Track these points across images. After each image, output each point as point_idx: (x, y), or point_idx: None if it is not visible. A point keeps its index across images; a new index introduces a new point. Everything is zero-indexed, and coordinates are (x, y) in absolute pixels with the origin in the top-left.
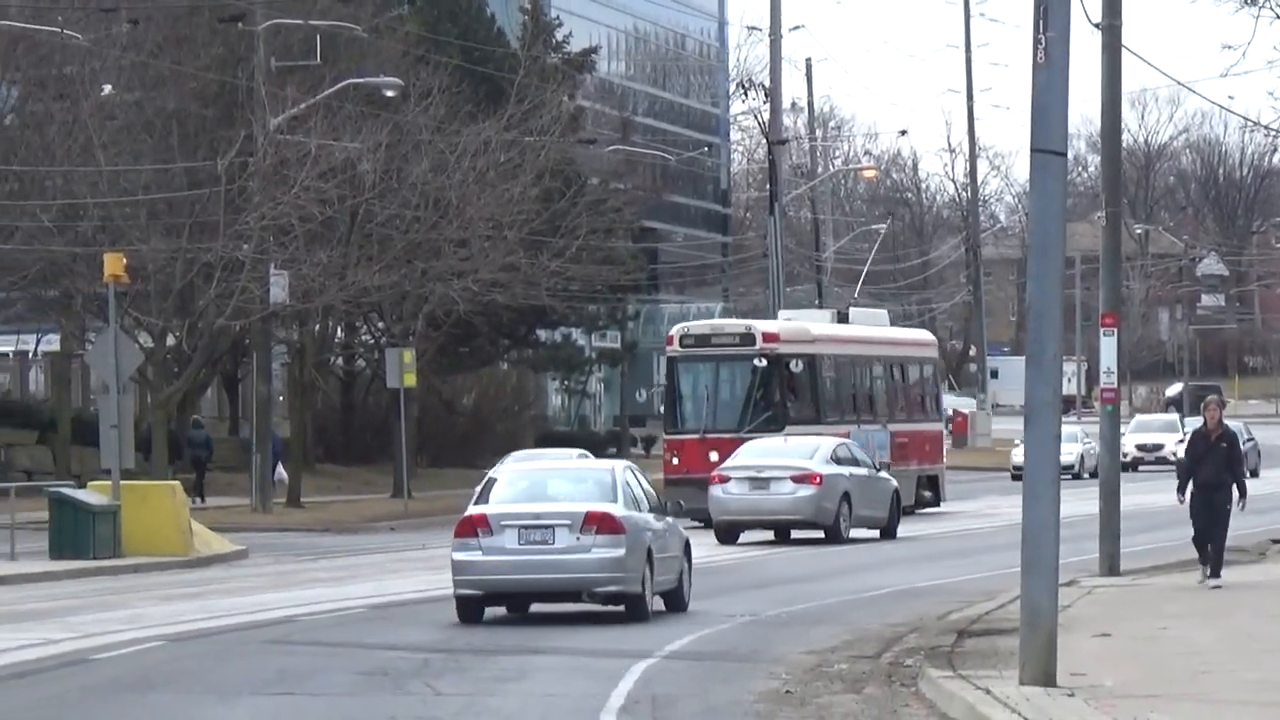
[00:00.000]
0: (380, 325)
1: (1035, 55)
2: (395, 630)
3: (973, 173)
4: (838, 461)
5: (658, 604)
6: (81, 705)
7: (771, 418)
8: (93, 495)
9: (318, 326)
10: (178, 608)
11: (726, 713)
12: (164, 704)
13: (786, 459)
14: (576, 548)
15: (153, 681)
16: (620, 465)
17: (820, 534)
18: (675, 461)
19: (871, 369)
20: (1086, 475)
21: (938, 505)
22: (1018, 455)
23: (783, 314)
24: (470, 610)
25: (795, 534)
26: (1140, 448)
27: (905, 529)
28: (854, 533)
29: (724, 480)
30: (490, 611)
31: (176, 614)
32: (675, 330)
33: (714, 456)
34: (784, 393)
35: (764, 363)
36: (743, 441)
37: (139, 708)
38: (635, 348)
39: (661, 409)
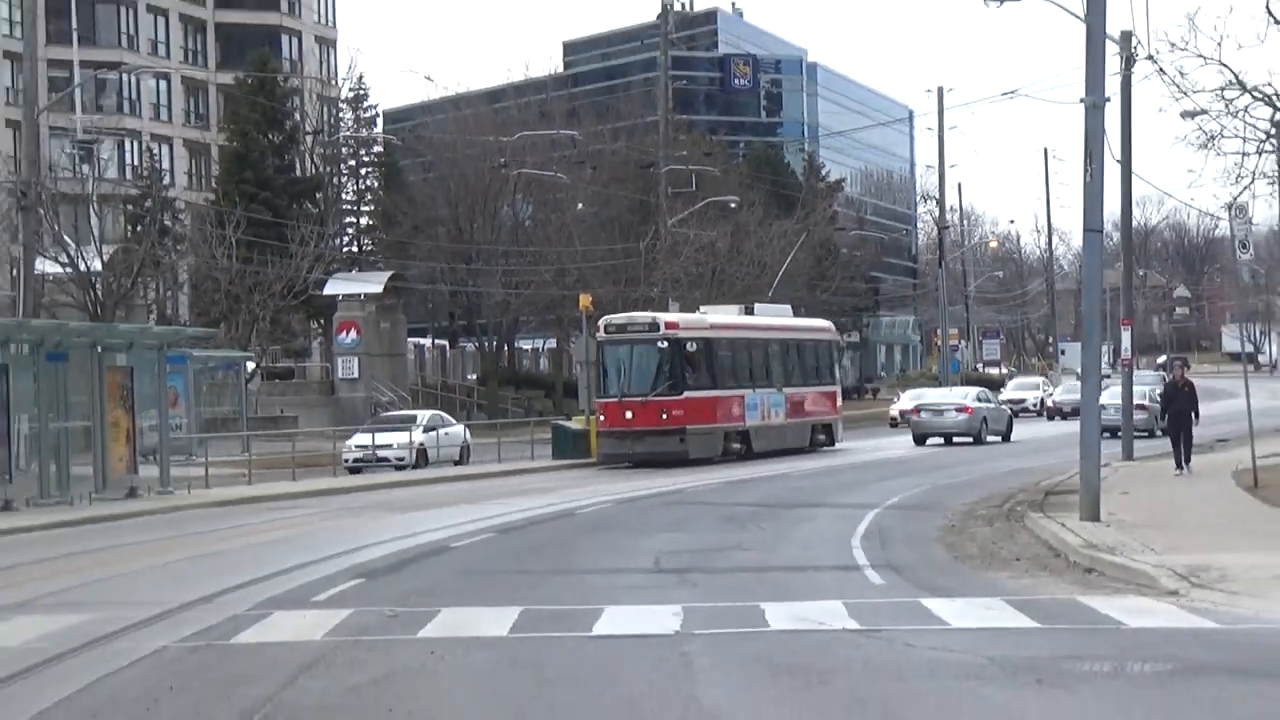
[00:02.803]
0: None
1: (1085, 175)
2: (738, 495)
3: (1049, 242)
4: (979, 401)
5: (995, 439)
6: (570, 536)
7: (672, 384)
8: (575, 424)
9: None
10: (619, 485)
11: (919, 536)
12: (611, 536)
13: (953, 399)
14: (955, 417)
15: (604, 525)
16: (976, 390)
17: (970, 439)
18: (603, 419)
19: (768, 348)
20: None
21: (832, 445)
22: (894, 410)
23: (702, 308)
24: (919, 441)
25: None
26: (1009, 401)
27: (823, 460)
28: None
29: (918, 412)
30: (791, 486)
31: (618, 489)
32: (601, 321)
33: (629, 415)
34: (682, 366)
35: (666, 344)
36: (651, 403)
37: (598, 538)
38: (866, 341)
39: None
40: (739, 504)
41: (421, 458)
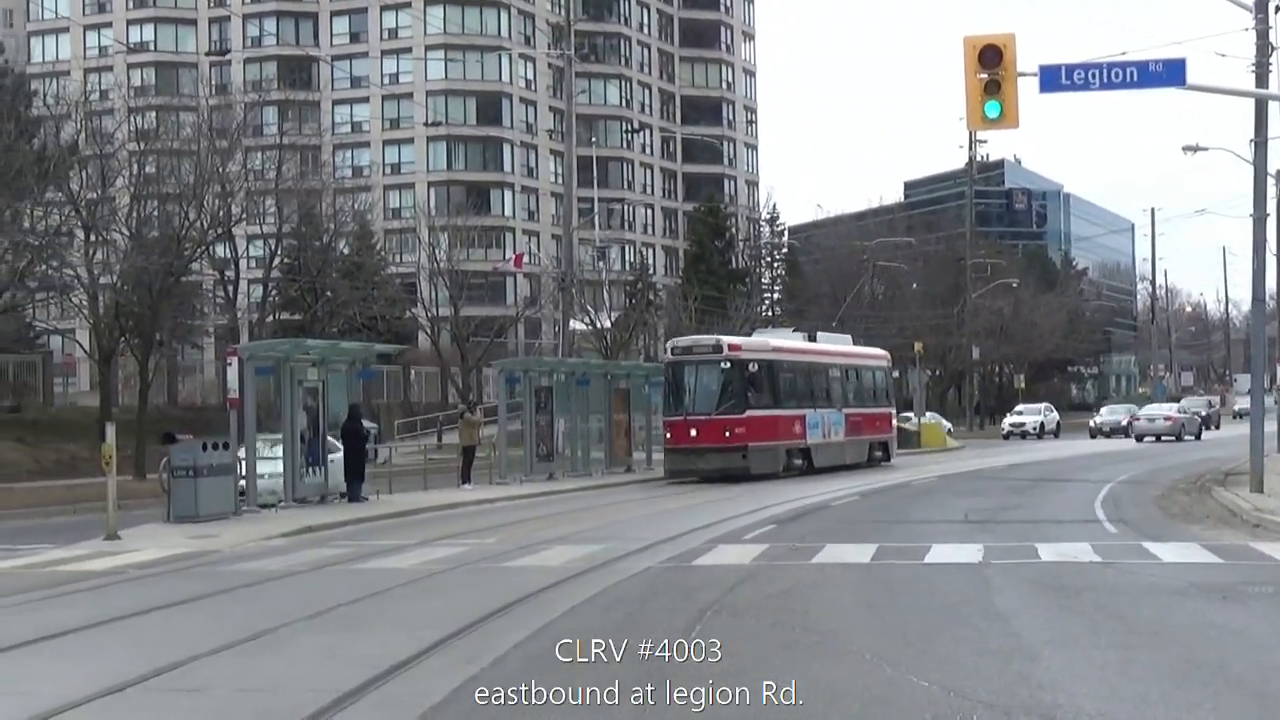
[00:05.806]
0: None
1: (1253, 262)
2: (1016, 473)
3: (1226, 308)
4: (1181, 412)
5: (1190, 438)
6: (905, 499)
7: (734, 404)
8: (909, 425)
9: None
10: (943, 467)
11: (1140, 500)
12: (934, 498)
13: (1162, 411)
14: (1163, 424)
15: (931, 490)
16: (1177, 405)
17: (1173, 438)
18: (669, 436)
19: (828, 372)
20: (1047, 435)
21: (889, 461)
22: (1092, 422)
23: (757, 332)
24: (1138, 439)
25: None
26: (1012, 425)
27: (878, 476)
28: (1186, 438)
29: (1138, 419)
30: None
31: (944, 468)
32: (669, 343)
33: (694, 433)
34: (744, 386)
35: (729, 365)
36: (714, 420)
37: (924, 500)
38: (1101, 374)
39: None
40: (1016, 478)
41: None
